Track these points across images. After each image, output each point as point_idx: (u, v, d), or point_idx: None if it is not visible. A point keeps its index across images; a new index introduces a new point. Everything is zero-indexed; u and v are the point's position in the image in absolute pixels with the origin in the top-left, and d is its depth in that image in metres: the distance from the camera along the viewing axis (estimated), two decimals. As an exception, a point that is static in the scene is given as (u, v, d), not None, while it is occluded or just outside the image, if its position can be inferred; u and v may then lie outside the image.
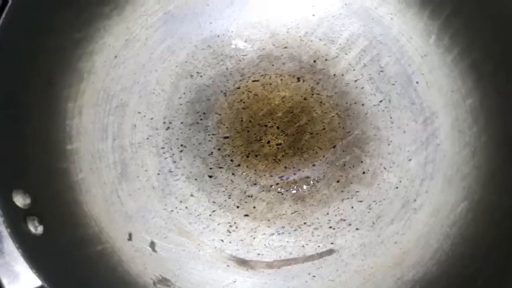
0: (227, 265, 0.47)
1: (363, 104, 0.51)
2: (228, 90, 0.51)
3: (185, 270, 0.46)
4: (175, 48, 0.52)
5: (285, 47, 0.52)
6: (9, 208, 0.38)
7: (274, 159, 0.49)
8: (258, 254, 0.47)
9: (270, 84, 0.51)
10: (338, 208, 0.48)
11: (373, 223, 0.48)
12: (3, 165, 0.40)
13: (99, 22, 0.49)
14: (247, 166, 0.49)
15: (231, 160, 0.49)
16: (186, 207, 0.48)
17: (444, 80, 0.50)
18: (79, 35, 0.48)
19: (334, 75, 0.51)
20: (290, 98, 0.51)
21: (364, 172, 0.49)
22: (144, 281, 0.45)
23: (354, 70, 0.51)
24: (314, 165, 0.49)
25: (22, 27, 0.43)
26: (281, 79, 0.51)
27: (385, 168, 0.49)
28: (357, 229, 0.48)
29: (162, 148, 0.49)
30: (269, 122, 0.50)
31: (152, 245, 0.46)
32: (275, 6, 0.52)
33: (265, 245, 0.47)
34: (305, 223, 0.48)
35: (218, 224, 0.48)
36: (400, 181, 0.48)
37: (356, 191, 0.48)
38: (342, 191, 0.48)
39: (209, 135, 0.50)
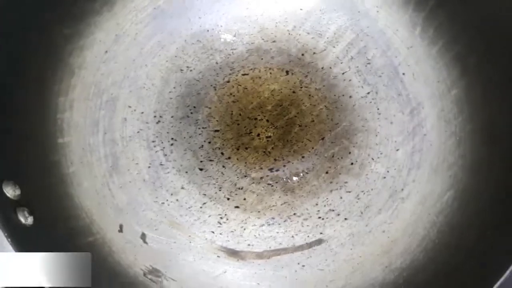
0: (218, 256, 0.47)
1: (350, 96, 0.51)
2: (217, 84, 0.51)
3: (176, 261, 0.46)
4: (165, 43, 0.52)
5: (274, 41, 0.53)
6: (-1, 198, 0.38)
7: (264, 152, 0.50)
8: (249, 245, 0.47)
9: (260, 77, 0.52)
10: (327, 198, 0.48)
11: (361, 212, 0.48)
12: (-6, 157, 0.40)
13: (90, 17, 0.50)
14: (237, 159, 0.49)
15: (222, 153, 0.50)
16: (177, 200, 0.48)
17: (429, 72, 0.50)
18: (70, 30, 0.48)
19: (322, 68, 0.52)
20: (279, 91, 0.51)
21: (352, 163, 0.49)
22: (135, 272, 0.45)
23: (341, 63, 0.52)
24: (303, 157, 0.49)
25: (12, 22, 0.43)
26: (270, 73, 0.52)
27: (373, 159, 0.49)
28: (345, 219, 0.48)
29: (153, 141, 0.50)
30: (259, 115, 0.51)
31: (143, 236, 0.47)
32: (264, 0, 0.53)
33: (255, 236, 0.48)
34: (294, 213, 0.48)
35: (209, 216, 0.48)
36: (388, 171, 0.49)
37: (345, 182, 0.49)
38: (331, 182, 0.49)
39: (199, 128, 0.50)
